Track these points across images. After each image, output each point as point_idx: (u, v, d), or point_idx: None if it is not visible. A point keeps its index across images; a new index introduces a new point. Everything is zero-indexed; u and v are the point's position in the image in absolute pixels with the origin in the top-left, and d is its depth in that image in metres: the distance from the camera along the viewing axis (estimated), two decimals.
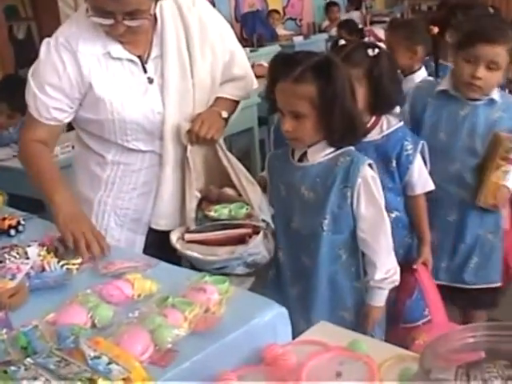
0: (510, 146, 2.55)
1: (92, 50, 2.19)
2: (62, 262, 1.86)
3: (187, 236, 2.24)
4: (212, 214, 2.25)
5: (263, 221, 2.24)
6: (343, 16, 10.19)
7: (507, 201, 2.74)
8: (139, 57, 2.25)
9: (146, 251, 2.33)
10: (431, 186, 2.46)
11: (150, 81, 2.26)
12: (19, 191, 3.40)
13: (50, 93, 2.20)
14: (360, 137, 2.17)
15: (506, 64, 2.51)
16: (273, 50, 7.97)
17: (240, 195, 2.31)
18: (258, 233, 2.19)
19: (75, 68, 2.19)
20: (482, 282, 2.76)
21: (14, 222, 2.16)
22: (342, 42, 2.41)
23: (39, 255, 1.90)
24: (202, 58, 2.29)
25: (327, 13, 10.99)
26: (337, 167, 2.09)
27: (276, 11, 10.59)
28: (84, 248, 1.95)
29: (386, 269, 2.13)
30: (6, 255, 1.91)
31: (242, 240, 2.18)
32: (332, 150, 2.12)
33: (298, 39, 9.10)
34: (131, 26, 2.10)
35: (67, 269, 1.83)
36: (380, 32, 8.16)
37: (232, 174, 2.31)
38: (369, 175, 2.08)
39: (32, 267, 1.82)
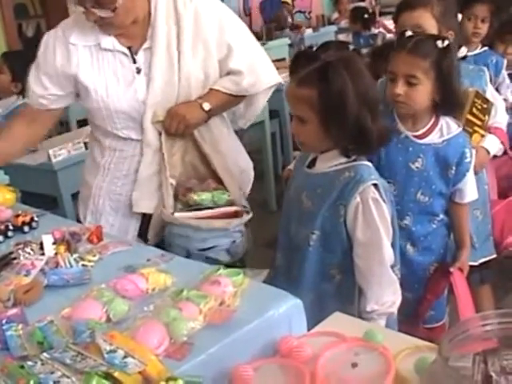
0: (476, 99, 2.58)
1: (85, 42, 2.34)
2: (75, 256, 1.87)
3: (178, 215, 2.28)
4: (195, 197, 2.30)
5: (245, 207, 2.32)
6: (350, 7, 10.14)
7: (485, 164, 2.75)
8: (129, 48, 2.35)
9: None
10: (476, 196, 2.42)
11: (138, 71, 2.35)
12: (31, 188, 3.42)
13: (43, 81, 2.40)
14: (375, 148, 2.04)
15: (437, 29, 2.51)
16: (282, 42, 7.97)
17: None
18: (247, 212, 2.29)
19: (65, 60, 2.35)
20: (479, 258, 2.78)
21: (27, 219, 2.17)
22: (409, 33, 2.35)
23: (53, 245, 1.92)
24: (192, 54, 2.34)
25: (336, 5, 10.95)
26: (338, 181, 1.96)
27: (286, 3, 10.57)
28: None
29: (378, 300, 1.97)
30: (21, 251, 1.92)
31: (236, 216, 2.27)
32: (343, 161, 1.98)
33: (308, 32, 9.08)
34: (102, 16, 2.22)
35: (83, 265, 1.84)
36: (390, 23, 8.14)
37: (211, 163, 2.40)
38: (370, 196, 1.93)
39: (47, 262, 1.83)
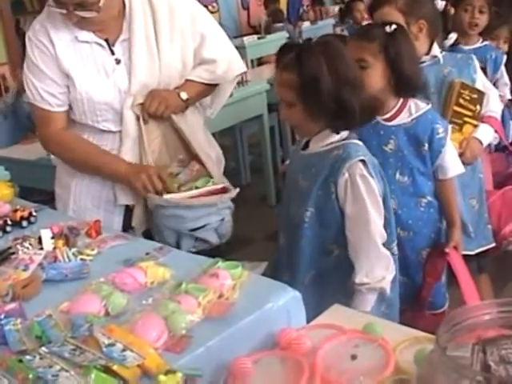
0: (462, 91, 2.62)
1: (61, 35, 2.33)
2: (73, 250, 1.87)
3: (167, 196, 2.27)
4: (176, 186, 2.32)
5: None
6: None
7: (479, 154, 2.78)
8: (106, 40, 2.36)
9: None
10: (462, 169, 2.45)
11: (118, 62, 2.37)
12: (30, 183, 3.42)
13: (49, 75, 2.34)
14: (360, 122, 2.09)
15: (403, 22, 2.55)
16: (280, 36, 7.95)
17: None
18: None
19: (51, 47, 2.33)
20: (476, 247, 2.80)
21: (25, 214, 2.17)
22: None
23: (52, 239, 1.93)
24: (170, 43, 2.39)
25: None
26: (328, 159, 2.04)
27: None
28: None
29: (368, 273, 2.02)
30: (19, 246, 1.92)
31: (223, 192, 2.30)
32: (334, 140, 2.06)
33: (305, 25, 9.07)
34: (84, 16, 2.23)
35: (81, 259, 1.84)
36: None
37: (192, 147, 2.42)
38: (357, 173, 2.00)
39: (45, 257, 1.83)
